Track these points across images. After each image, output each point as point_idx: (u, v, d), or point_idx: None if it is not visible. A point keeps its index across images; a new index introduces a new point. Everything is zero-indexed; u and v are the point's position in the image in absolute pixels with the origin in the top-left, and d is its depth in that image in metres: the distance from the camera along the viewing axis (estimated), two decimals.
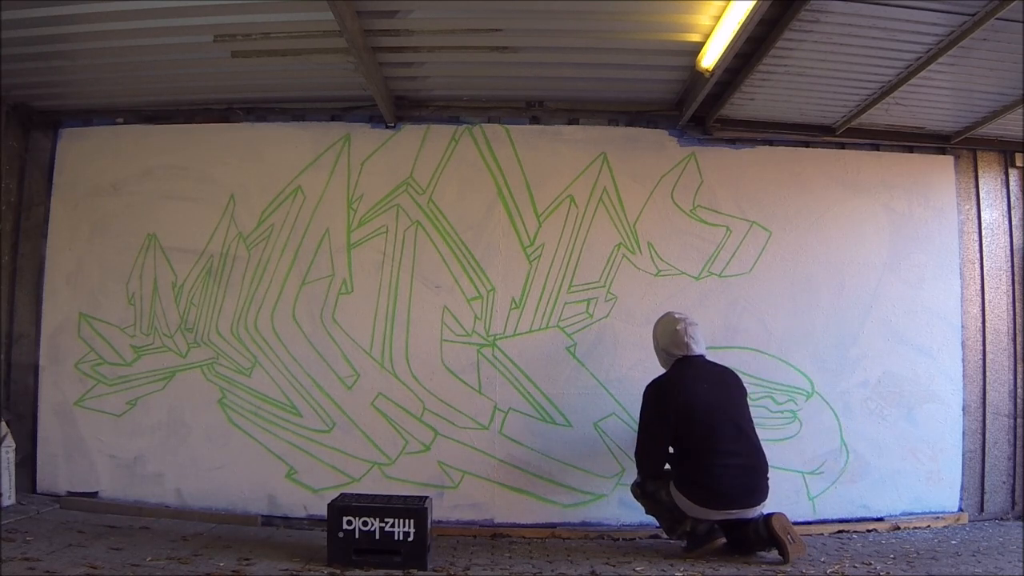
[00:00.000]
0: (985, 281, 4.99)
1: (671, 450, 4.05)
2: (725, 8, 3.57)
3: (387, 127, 4.87)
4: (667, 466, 4.09)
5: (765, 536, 3.81)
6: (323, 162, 4.86)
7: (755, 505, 3.89)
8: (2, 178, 4.78)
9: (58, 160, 4.98)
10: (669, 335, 4.11)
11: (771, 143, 4.96)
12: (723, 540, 3.91)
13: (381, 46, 4.10)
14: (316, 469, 4.69)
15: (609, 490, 4.67)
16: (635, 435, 4.49)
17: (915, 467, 4.82)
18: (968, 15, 3.42)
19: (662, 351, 4.18)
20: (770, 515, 3.84)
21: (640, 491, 4.19)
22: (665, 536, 4.21)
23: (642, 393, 4.11)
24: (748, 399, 4.14)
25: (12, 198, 4.89)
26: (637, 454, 4.12)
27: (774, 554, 3.85)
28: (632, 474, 4.64)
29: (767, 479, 3.96)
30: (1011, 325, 4.99)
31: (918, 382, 4.86)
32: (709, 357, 4.18)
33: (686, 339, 4.06)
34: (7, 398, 4.82)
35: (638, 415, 4.17)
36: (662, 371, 4.20)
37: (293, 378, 4.76)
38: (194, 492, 4.70)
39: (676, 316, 4.17)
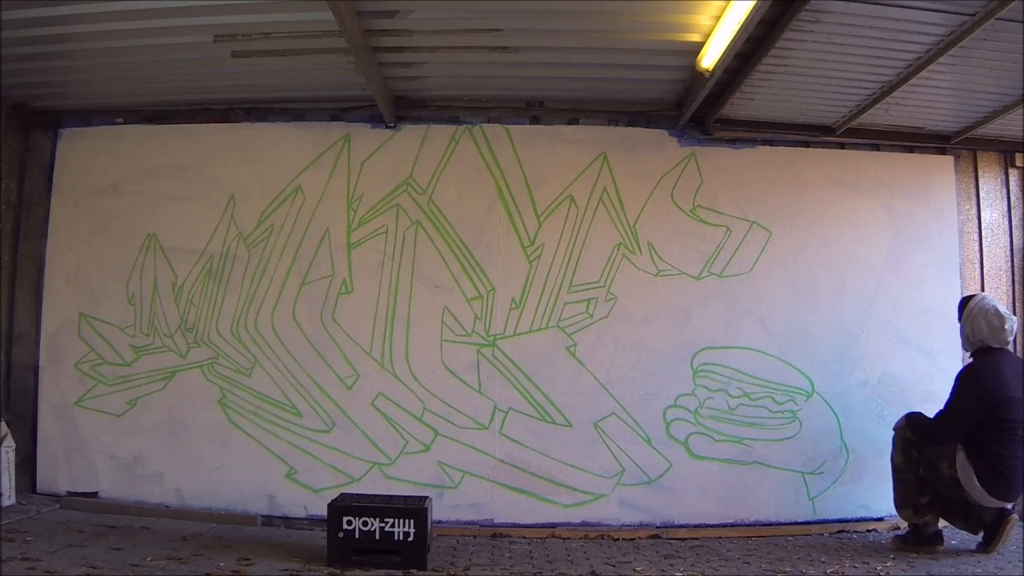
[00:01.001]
0: (985, 281, 5.00)
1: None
2: (725, 8, 3.57)
3: (387, 127, 4.87)
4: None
5: (990, 521, 3.97)
6: (323, 162, 4.86)
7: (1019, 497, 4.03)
8: (2, 178, 4.78)
9: (58, 160, 4.98)
10: (994, 330, 4.09)
11: (771, 143, 4.96)
12: (942, 548, 4.05)
13: (381, 46, 4.09)
14: (316, 469, 4.69)
15: (609, 490, 4.67)
16: (637, 435, 4.67)
17: None
18: (968, 15, 3.42)
19: (977, 339, 4.15)
20: (1010, 513, 3.98)
21: (915, 451, 4.14)
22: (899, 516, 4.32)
23: (956, 377, 4.13)
24: None
25: (12, 198, 4.89)
26: (937, 428, 4.09)
27: (966, 536, 4.10)
28: (633, 475, 4.66)
29: None
30: None
31: (918, 382, 4.86)
32: None
33: (1009, 338, 4.11)
34: (7, 398, 4.82)
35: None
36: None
37: (293, 378, 4.76)
38: (194, 492, 4.69)
39: (1002, 313, 4.11)
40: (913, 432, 4.18)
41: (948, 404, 4.13)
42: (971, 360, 4.23)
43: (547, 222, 4.82)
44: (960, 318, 4.26)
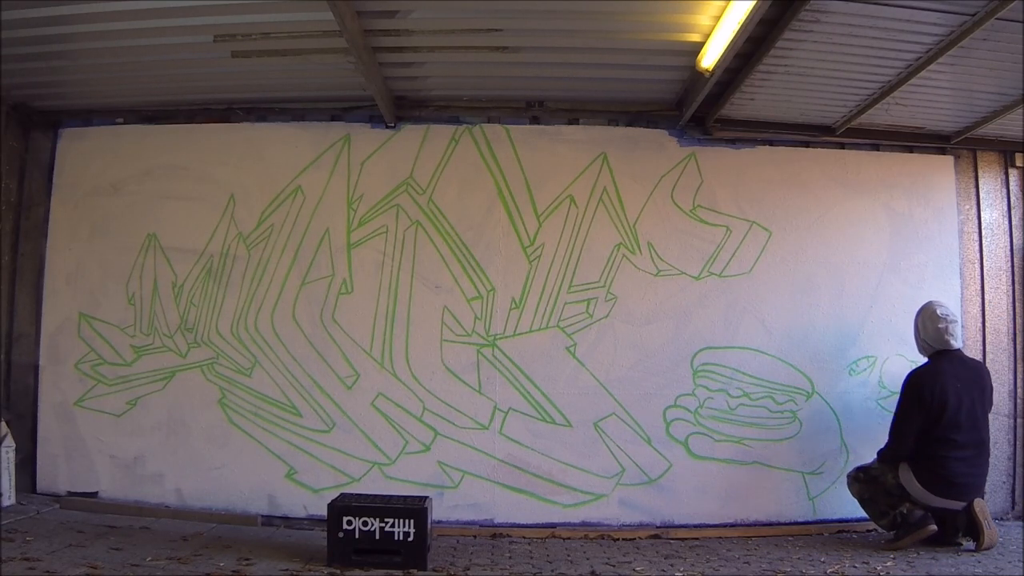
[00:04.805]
0: (985, 281, 5.00)
1: None
2: (725, 8, 3.57)
3: (387, 127, 4.87)
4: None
5: (964, 522, 4.11)
6: (323, 162, 4.86)
7: (974, 498, 4.13)
8: (2, 178, 4.78)
9: (58, 160, 4.98)
10: (933, 331, 4.32)
11: (771, 143, 4.96)
12: (934, 528, 4.15)
13: (381, 46, 4.10)
14: (316, 469, 4.69)
15: (609, 490, 4.67)
16: (637, 435, 4.70)
17: None
18: (968, 15, 3.42)
19: (923, 342, 4.41)
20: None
21: (863, 475, 4.38)
22: (876, 526, 4.45)
23: (903, 381, 4.35)
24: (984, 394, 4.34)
25: (12, 198, 4.90)
26: (893, 437, 4.30)
27: (967, 544, 4.14)
28: (633, 475, 4.66)
29: (987, 474, 4.28)
30: (1011, 325, 4.99)
31: None
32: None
33: (947, 336, 4.28)
34: (7, 398, 4.82)
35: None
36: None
37: (293, 378, 4.76)
38: (194, 492, 4.70)
39: (939, 313, 4.32)
40: (857, 468, 4.45)
41: (894, 416, 4.32)
42: (918, 366, 4.41)
43: (547, 222, 4.82)
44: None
